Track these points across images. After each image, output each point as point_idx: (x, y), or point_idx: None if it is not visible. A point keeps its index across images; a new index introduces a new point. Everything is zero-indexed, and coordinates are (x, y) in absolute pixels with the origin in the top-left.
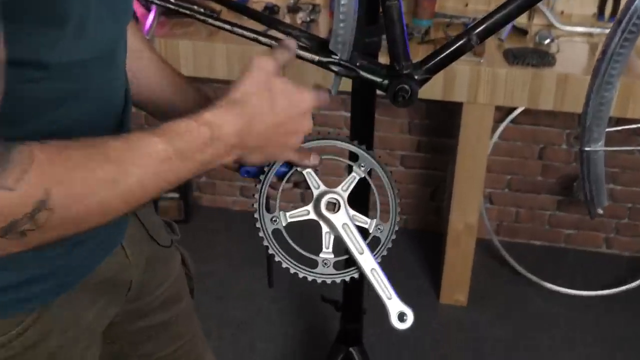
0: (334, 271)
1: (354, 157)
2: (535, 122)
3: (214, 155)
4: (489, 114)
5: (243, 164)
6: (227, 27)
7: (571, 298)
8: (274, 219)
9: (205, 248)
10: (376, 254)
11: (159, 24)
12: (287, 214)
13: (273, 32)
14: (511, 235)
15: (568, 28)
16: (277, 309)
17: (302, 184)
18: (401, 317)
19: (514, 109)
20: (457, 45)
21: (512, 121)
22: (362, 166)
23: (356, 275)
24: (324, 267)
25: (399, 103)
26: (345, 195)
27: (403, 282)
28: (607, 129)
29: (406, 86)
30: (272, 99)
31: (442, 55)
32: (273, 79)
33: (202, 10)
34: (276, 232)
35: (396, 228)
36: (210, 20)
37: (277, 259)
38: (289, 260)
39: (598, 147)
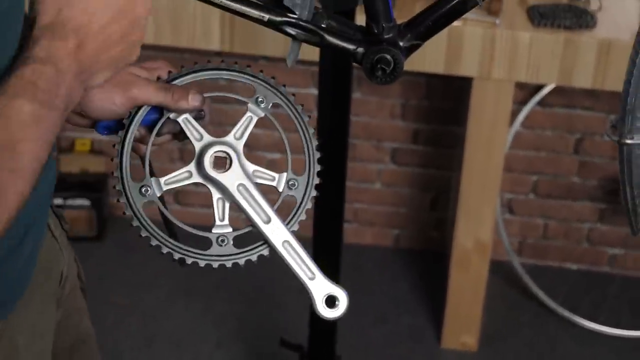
0: (235, 250)
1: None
2: (569, 105)
3: (69, 94)
4: (507, 94)
5: (98, 119)
6: None
7: (616, 340)
8: (144, 189)
9: (124, 274)
10: (289, 220)
11: None
12: (162, 179)
13: None
14: (538, 256)
15: None
16: (222, 356)
17: (181, 134)
18: (330, 301)
19: (542, 86)
20: None
21: (539, 103)
22: (261, 101)
23: (265, 252)
24: (221, 245)
25: (378, 78)
26: (240, 145)
27: (392, 319)
28: None
29: (387, 56)
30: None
31: (437, 14)
32: None
33: None
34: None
35: (316, 181)
36: None
37: (154, 242)
38: (170, 242)
39: None
